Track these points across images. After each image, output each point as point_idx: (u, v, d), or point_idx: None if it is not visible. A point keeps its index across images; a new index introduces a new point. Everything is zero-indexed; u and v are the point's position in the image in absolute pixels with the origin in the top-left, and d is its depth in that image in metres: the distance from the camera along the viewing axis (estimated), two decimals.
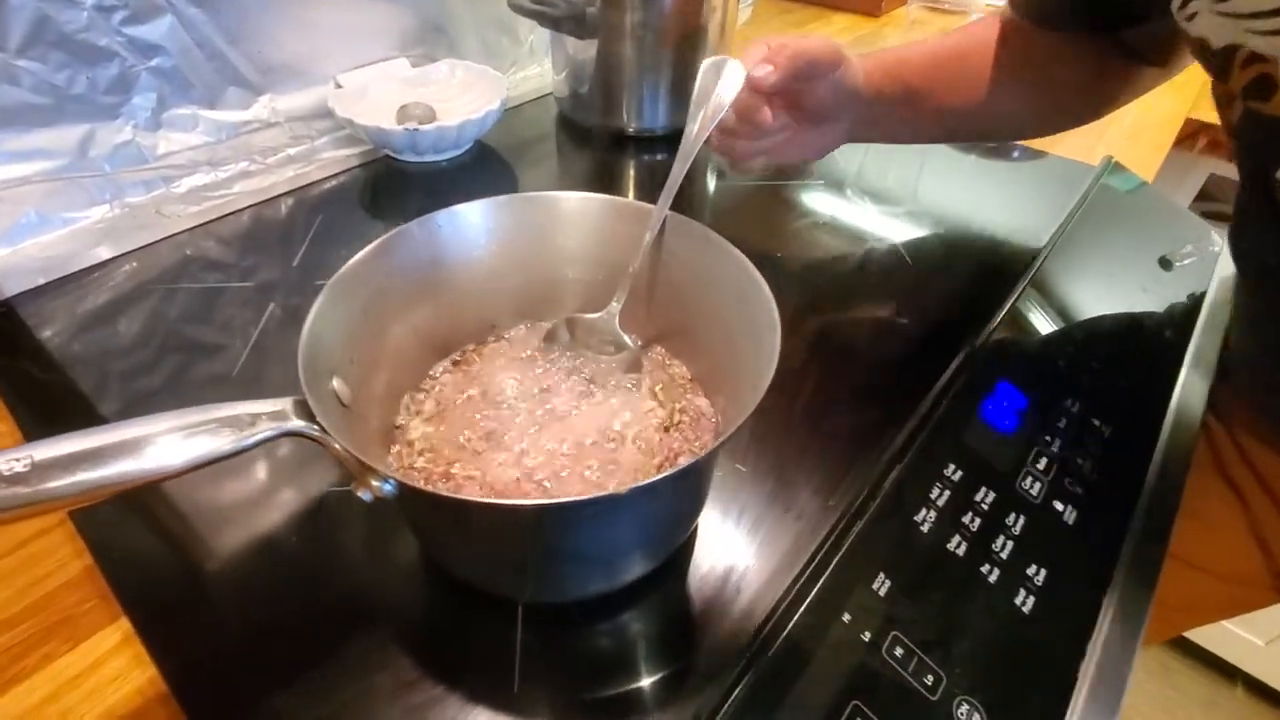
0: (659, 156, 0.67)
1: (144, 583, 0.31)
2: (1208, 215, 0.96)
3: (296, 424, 0.23)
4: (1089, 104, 0.49)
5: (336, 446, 0.23)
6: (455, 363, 0.35)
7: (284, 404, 0.23)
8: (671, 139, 0.68)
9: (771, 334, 0.26)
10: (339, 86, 0.63)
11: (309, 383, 0.24)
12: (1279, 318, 0.41)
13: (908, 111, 0.45)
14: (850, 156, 0.66)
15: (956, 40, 0.47)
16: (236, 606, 0.31)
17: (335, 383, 0.26)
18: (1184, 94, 0.78)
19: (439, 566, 0.31)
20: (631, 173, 0.66)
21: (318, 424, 0.23)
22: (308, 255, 0.51)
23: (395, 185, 0.61)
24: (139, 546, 0.33)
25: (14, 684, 0.28)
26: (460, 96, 0.66)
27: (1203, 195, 0.89)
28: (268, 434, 0.23)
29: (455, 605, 0.30)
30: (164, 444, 0.22)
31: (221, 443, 0.22)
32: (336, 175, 0.61)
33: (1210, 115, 0.75)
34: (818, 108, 0.40)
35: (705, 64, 0.34)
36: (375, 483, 0.23)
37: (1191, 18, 0.33)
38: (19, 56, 0.47)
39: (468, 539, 0.27)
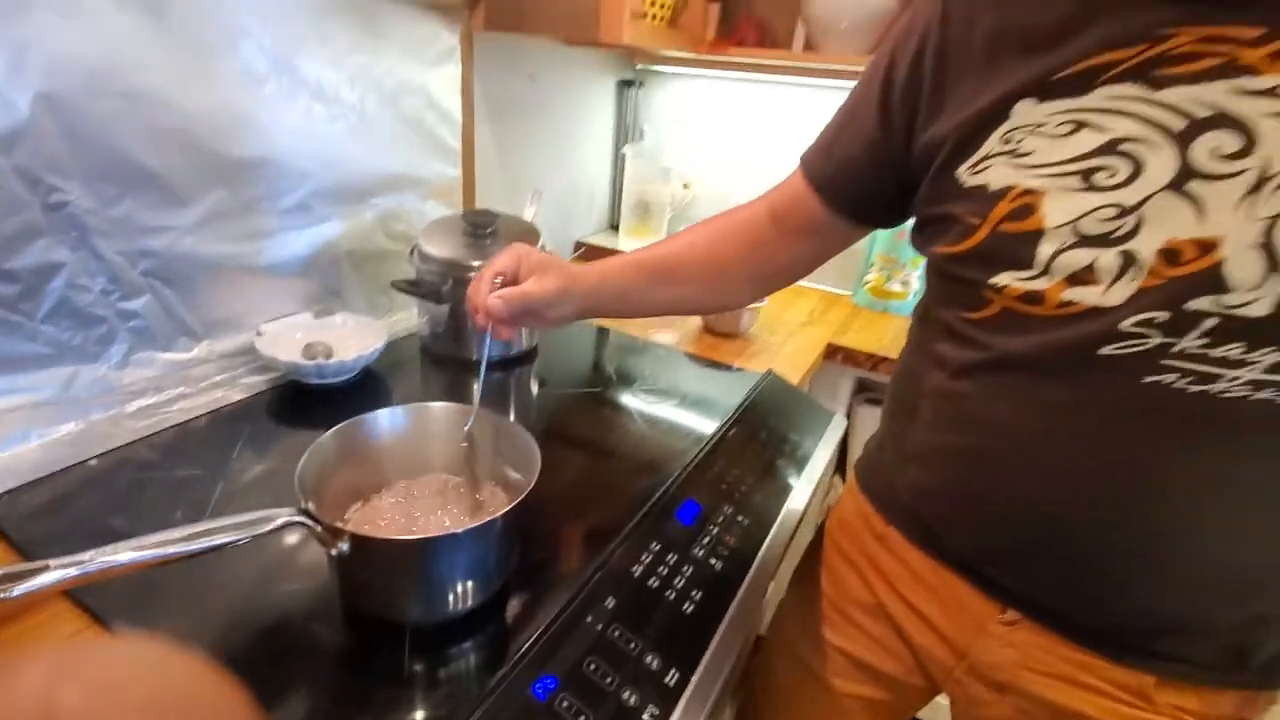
0: (495, 375, 0.98)
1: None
2: (869, 401, 1.43)
3: (299, 517, 0.47)
4: (809, 268, 0.66)
5: (319, 528, 0.47)
6: (364, 502, 0.60)
7: (289, 509, 0.47)
8: (500, 363, 1.00)
9: (534, 466, 0.55)
10: (260, 334, 0.89)
11: (303, 496, 0.48)
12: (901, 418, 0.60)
13: (624, 311, 0.66)
14: (641, 363, 1.01)
15: (688, 242, 0.65)
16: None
17: (309, 504, 0.51)
18: (828, 329, 1.26)
19: (354, 613, 0.53)
20: (474, 385, 0.96)
21: (310, 515, 0.47)
22: (245, 448, 0.74)
23: (302, 400, 0.86)
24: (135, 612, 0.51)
25: None
26: (351, 337, 0.94)
27: (861, 388, 1.35)
28: (283, 521, 0.46)
29: (366, 633, 0.52)
30: (225, 532, 0.45)
31: (257, 530, 0.46)
32: (254, 395, 0.85)
33: (843, 339, 1.22)
34: (543, 320, 0.61)
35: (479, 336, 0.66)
36: (340, 544, 0.47)
37: (980, 170, 0.45)
38: (43, 323, 0.69)
39: (379, 573, 0.51)
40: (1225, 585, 0.45)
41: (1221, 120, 0.37)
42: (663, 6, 1.12)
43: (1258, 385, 0.38)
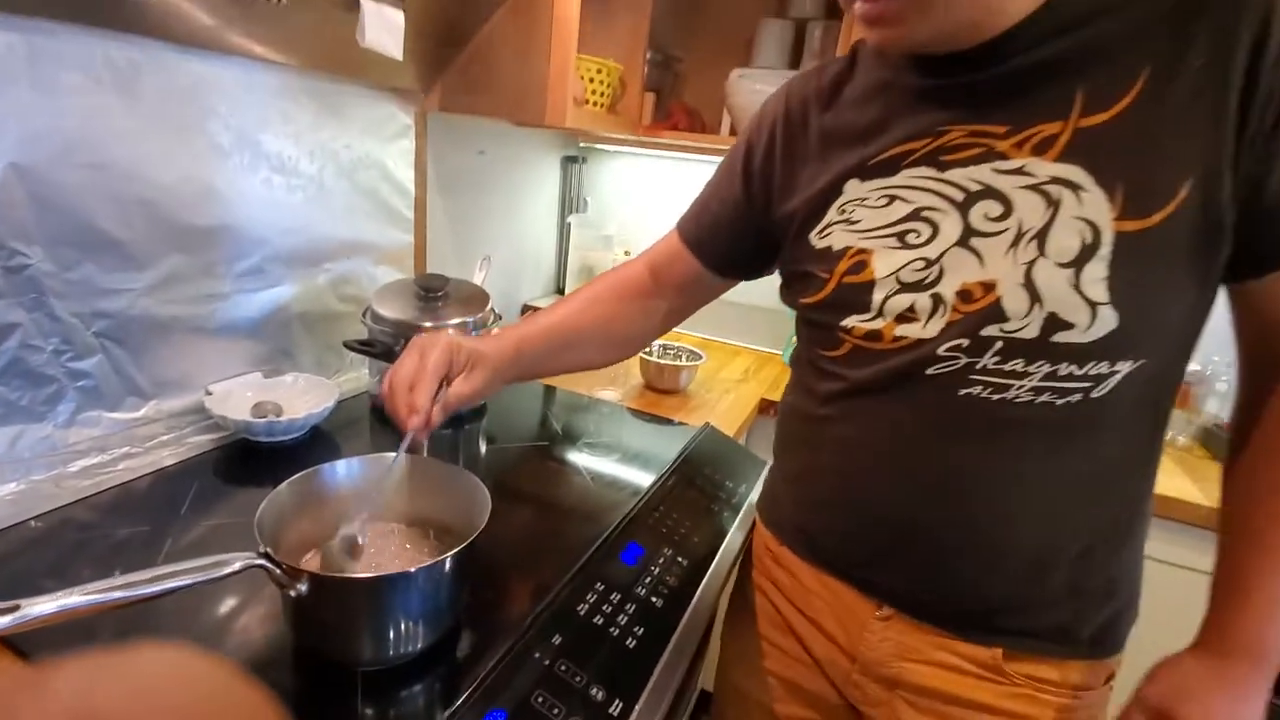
0: (444, 431, 1.01)
1: None
2: None
3: (259, 560, 0.50)
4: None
5: (279, 570, 0.50)
6: (318, 551, 0.62)
7: (251, 553, 0.50)
8: (450, 421, 1.03)
9: (484, 508, 0.59)
10: (209, 393, 0.90)
11: (262, 540, 0.51)
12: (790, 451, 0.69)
13: (533, 377, 0.78)
14: (586, 419, 1.06)
15: (582, 310, 0.73)
16: None
17: (268, 549, 0.53)
18: (761, 386, 1.35)
19: (307, 657, 0.55)
20: (425, 441, 0.98)
21: (270, 557, 0.50)
22: (192, 505, 0.74)
23: (250, 459, 0.87)
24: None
25: None
26: (301, 396, 0.96)
27: None
28: (245, 563, 0.49)
29: (319, 676, 0.54)
30: (186, 575, 0.47)
31: (217, 572, 0.48)
32: (201, 454, 0.86)
33: (775, 394, 1.30)
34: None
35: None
36: (299, 585, 0.50)
37: (826, 235, 0.57)
38: None
39: (336, 613, 0.53)
40: (1037, 563, 0.54)
41: (988, 192, 0.49)
42: (602, 95, 1.24)
43: (1038, 391, 0.49)
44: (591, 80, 1.20)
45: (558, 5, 1.02)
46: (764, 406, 1.28)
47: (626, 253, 1.69)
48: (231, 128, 0.85)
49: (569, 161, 1.71)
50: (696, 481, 0.93)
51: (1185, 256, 0.45)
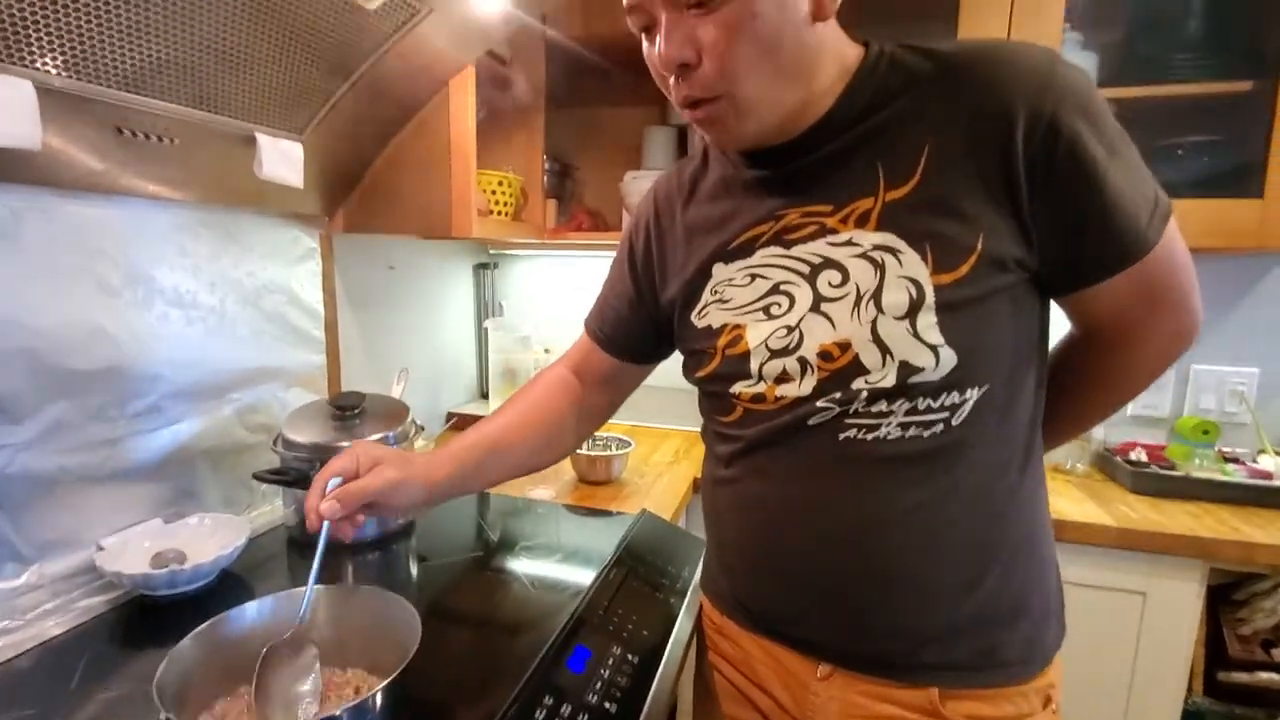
0: (371, 555, 0.96)
1: None
2: None
3: None
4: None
5: None
6: (233, 704, 0.56)
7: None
8: (375, 543, 0.98)
9: (415, 633, 0.56)
10: (101, 549, 0.82)
11: (164, 708, 0.46)
12: (714, 519, 0.71)
13: (473, 486, 0.71)
14: (522, 523, 1.03)
15: (520, 414, 0.74)
16: None
17: (170, 715, 0.48)
18: (693, 465, 1.36)
19: None
20: (350, 568, 0.93)
21: None
22: (84, 678, 0.66)
23: (149, 617, 0.79)
24: None
25: None
26: (209, 539, 0.89)
27: None
28: None
29: None
30: None
31: None
32: (93, 619, 0.77)
33: None
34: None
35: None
36: None
37: (704, 314, 0.64)
38: None
39: None
40: (942, 590, 0.56)
41: (828, 263, 0.56)
42: (506, 204, 1.29)
43: (904, 426, 0.55)
44: (494, 192, 1.26)
45: (454, 127, 1.07)
46: (698, 485, 1.29)
47: (546, 351, 1.70)
48: (121, 266, 0.83)
49: (481, 268, 1.75)
50: (639, 571, 0.91)
51: (994, 295, 0.53)
